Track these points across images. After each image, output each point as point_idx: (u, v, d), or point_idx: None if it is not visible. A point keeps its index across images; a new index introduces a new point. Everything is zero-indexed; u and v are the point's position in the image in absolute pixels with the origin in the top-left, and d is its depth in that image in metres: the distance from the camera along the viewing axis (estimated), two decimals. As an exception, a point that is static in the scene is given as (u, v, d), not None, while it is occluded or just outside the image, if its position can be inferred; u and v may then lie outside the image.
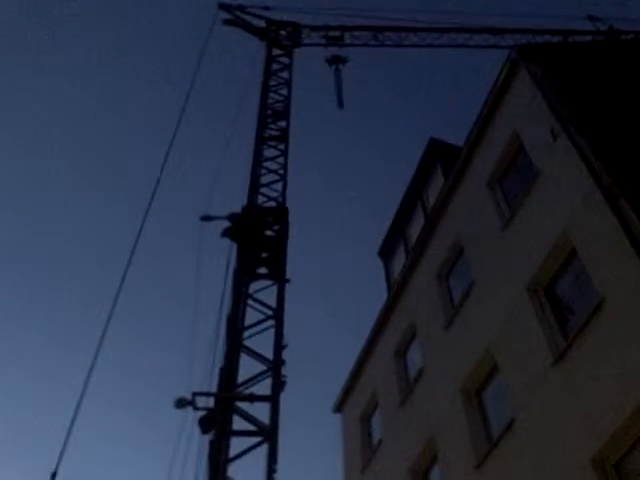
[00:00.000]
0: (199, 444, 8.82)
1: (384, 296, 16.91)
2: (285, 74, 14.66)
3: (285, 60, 15.15)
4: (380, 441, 14.80)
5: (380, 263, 18.43)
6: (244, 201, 11.56)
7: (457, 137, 15.49)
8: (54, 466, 6.96)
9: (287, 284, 10.90)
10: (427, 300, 14.07)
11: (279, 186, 12.09)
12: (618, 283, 8.50)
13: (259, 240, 11.32)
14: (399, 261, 16.88)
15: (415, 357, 14.37)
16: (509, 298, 10.84)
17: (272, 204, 11.79)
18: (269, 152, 12.80)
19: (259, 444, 8.68)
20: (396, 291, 15.75)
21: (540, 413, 9.27)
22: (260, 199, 11.87)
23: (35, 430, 36.84)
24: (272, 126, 13.30)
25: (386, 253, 18.14)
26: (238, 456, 8.58)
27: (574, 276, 9.87)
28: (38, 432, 37.43)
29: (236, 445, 8.89)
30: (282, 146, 12.92)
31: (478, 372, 11.39)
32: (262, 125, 13.21)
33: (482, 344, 11.25)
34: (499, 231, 11.77)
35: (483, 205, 12.62)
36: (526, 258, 10.66)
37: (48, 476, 6.90)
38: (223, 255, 10.94)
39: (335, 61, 16.71)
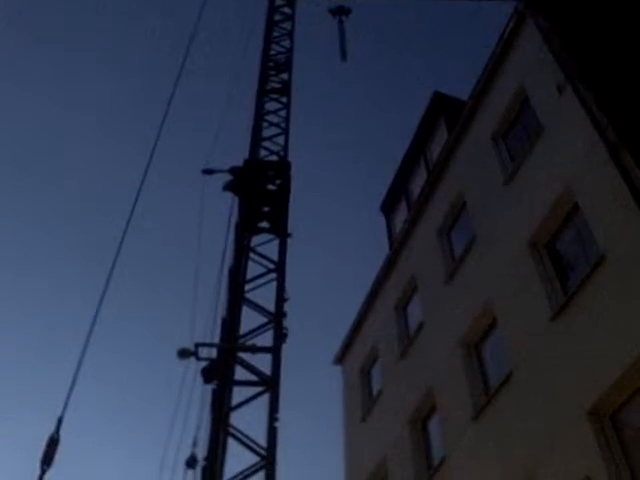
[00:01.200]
0: (202, 394, 9.00)
1: (385, 251, 17.00)
2: (287, 25, 14.38)
3: (287, 10, 14.84)
4: (380, 392, 15.07)
5: (382, 218, 18.46)
6: (246, 154, 11.51)
7: (462, 91, 15.33)
8: (60, 411, 7.12)
9: (289, 238, 10.96)
10: (428, 255, 14.14)
11: (281, 140, 12.00)
12: (620, 238, 8.53)
13: (261, 194, 11.31)
14: (401, 216, 16.89)
15: (415, 311, 14.51)
16: (510, 253, 10.88)
17: (274, 158, 11.73)
18: (271, 105, 12.66)
19: (261, 394, 8.86)
20: (397, 246, 15.82)
21: (538, 366, 9.41)
22: (262, 153, 11.80)
23: (40, 378, 37.52)
24: (274, 78, 13.13)
25: (388, 208, 18.13)
26: (240, 405, 8.77)
27: (575, 232, 9.89)
28: (43, 380, 38.15)
29: (238, 395, 9.08)
30: (284, 99, 12.77)
31: (477, 326, 11.52)
32: (264, 77, 13.04)
33: (482, 298, 11.35)
34: (502, 186, 11.74)
35: (486, 160, 12.57)
36: (528, 213, 10.66)
37: (54, 421, 7.07)
38: (225, 208, 10.97)
39: (338, 12, 16.35)
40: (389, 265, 16.06)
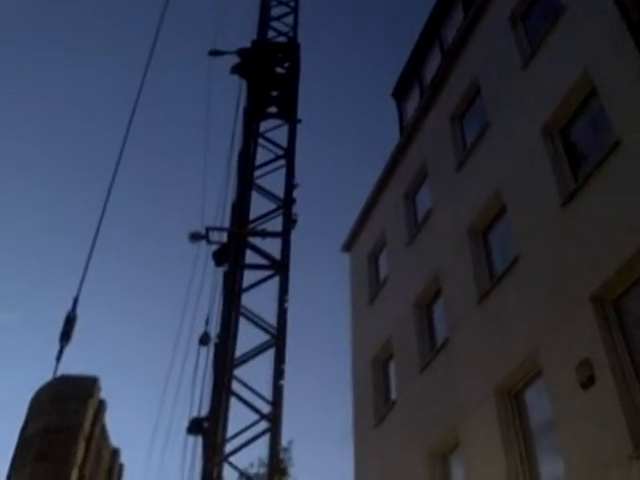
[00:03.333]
0: (213, 276, 9.23)
1: (396, 138, 16.80)
2: None
3: None
4: (386, 278, 15.39)
5: (393, 104, 18.09)
6: (254, 36, 11.12)
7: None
8: (75, 292, 7.34)
9: (298, 124, 10.80)
10: (440, 142, 13.96)
11: (290, 19, 11.53)
12: (636, 125, 8.33)
13: (269, 78, 11.03)
14: (413, 102, 16.54)
15: (424, 198, 14.53)
16: (523, 140, 10.71)
17: (283, 39, 11.33)
18: (280, -19, 12.08)
19: (271, 277, 9.06)
20: (409, 133, 15.60)
21: (544, 252, 9.50)
22: (270, 34, 11.39)
23: (56, 260, 38.45)
24: (283, -47, 12.44)
25: (400, 94, 17.73)
26: (251, 287, 9.00)
27: (591, 118, 9.67)
28: (59, 262, 39.12)
29: (249, 278, 9.30)
30: (294, -25, 12.16)
31: (486, 213, 11.54)
32: (272, -49, 12.35)
33: (492, 186, 11.30)
34: (519, 70, 11.37)
35: (504, 42, 12.10)
36: (544, 98, 10.39)
37: (70, 302, 7.30)
38: (233, 92, 10.75)
39: None
40: (400, 152, 15.91)
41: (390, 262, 15.44)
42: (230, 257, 9.03)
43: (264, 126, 10.86)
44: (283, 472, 17.71)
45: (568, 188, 9.39)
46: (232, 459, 7.90)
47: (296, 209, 9.94)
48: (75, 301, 7.31)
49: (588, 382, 7.86)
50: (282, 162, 10.44)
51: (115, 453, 7.95)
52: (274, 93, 11.05)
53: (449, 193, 13.04)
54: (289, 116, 10.78)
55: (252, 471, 17.51)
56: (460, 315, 11.44)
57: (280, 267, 8.98)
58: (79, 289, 7.32)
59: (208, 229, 9.06)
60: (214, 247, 9.08)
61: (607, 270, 8.10)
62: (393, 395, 13.81)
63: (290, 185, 10.08)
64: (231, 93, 10.79)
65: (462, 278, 11.62)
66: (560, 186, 9.52)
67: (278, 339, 8.25)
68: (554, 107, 10.08)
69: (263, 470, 15.57)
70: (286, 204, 9.83)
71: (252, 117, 10.71)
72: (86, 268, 7.46)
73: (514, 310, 9.91)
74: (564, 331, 8.60)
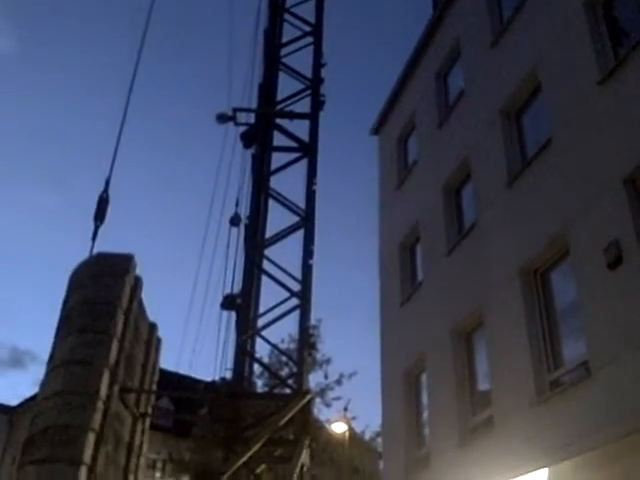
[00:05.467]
0: (242, 158, 9.24)
1: (429, 13, 16.05)
2: None
3: None
4: (415, 161, 15.23)
5: (426, -23, 17.14)
6: None
7: None
8: (107, 173, 7.43)
9: (326, -2, 10.37)
10: (474, 17, 13.30)
11: None
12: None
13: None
14: (447, -26, 15.62)
15: (457, 79, 14.06)
16: (563, 13, 10.14)
17: None
18: None
19: (299, 159, 9.05)
20: (442, 7, 14.87)
21: (578, 133, 9.24)
22: None
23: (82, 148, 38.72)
24: None
25: (433, -35, 16.74)
26: (279, 169, 9.02)
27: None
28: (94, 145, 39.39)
29: (277, 162, 9.30)
30: None
31: (520, 92, 11.14)
32: None
33: (528, 63, 10.83)
34: (561, -64, 10.59)
35: None
36: (587, -32, 9.73)
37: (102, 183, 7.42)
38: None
39: None
40: (432, 29, 15.25)
41: (419, 145, 15.23)
42: (258, 139, 9.00)
43: (290, 1, 10.47)
44: (312, 346, 18.46)
45: (607, 65, 8.97)
46: (264, 333, 8.27)
47: (324, 90, 9.75)
48: (107, 182, 7.42)
49: (615, 262, 7.87)
50: (309, 39, 10.14)
51: (152, 328, 8.31)
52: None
53: (483, 72, 12.58)
54: (317, -12, 10.35)
55: (283, 346, 18.28)
56: (489, 198, 11.36)
57: (308, 149, 8.94)
58: (110, 170, 7.42)
59: (235, 110, 8.98)
60: (242, 129, 9.03)
61: (642, 151, 7.88)
62: (419, 277, 14.06)
63: (318, 63, 9.85)
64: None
65: (493, 161, 11.44)
66: (599, 63, 9.09)
67: (307, 220, 8.37)
68: (598, -23, 9.46)
69: (293, 346, 16.27)
70: (314, 83, 9.64)
71: (278, -10, 10.30)
72: (116, 150, 7.51)
73: (544, 192, 9.80)
74: (594, 212, 8.52)
